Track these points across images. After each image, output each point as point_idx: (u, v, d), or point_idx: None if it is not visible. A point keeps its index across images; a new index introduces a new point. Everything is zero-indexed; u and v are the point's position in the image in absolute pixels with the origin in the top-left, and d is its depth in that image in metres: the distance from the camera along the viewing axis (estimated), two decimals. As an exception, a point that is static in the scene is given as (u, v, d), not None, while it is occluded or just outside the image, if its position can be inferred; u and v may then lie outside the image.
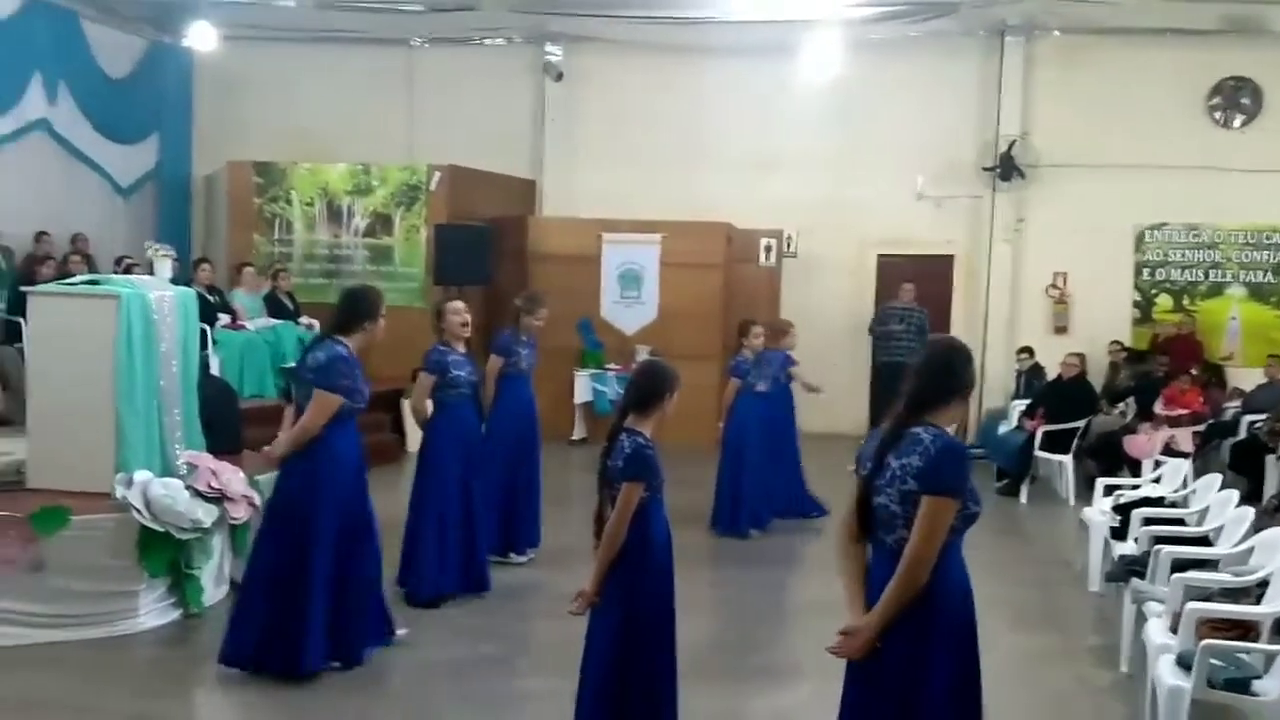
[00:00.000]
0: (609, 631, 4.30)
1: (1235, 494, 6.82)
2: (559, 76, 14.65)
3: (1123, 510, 7.28)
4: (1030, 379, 12.90)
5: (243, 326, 11.61)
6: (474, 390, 7.15)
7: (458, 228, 13.11)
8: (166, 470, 6.65)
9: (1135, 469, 10.50)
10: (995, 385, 13.64)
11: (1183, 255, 13.95)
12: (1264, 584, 5.25)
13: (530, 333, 7.98)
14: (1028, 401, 11.84)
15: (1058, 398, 11.30)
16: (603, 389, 13.11)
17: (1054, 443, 11.00)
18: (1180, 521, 6.97)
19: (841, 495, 3.71)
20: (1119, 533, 7.14)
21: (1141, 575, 6.05)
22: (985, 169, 14.00)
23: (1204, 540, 6.47)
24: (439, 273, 12.89)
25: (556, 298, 9.27)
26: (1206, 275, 13.92)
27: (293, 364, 8.84)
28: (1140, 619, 5.71)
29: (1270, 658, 4.68)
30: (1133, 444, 10.93)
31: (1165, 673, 4.76)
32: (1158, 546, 6.10)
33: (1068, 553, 8.70)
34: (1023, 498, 10.94)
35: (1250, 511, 6.37)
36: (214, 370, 9.99)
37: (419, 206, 13.73)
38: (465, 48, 14.95)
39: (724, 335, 12.29)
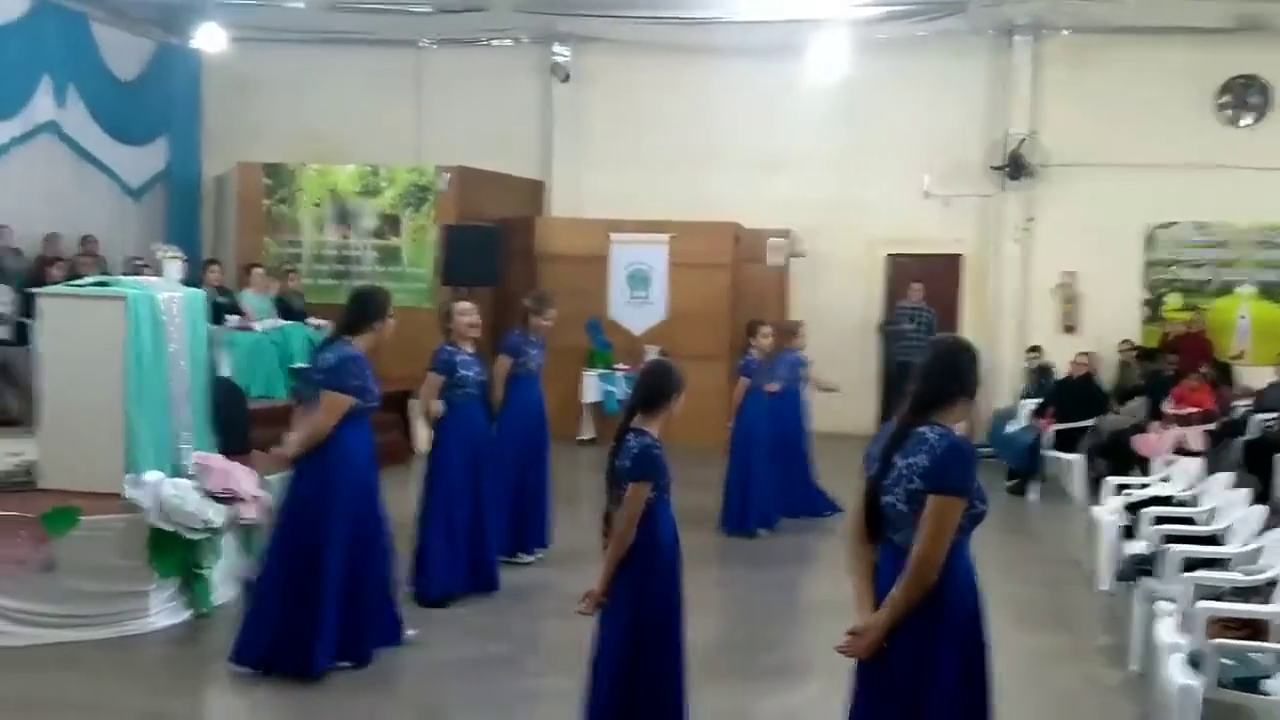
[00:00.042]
0: (617, 631, 4.31)
1: (1245, 492, 6.81)
2: (566, 77, 14.67)
3: (1133, 509, 7.26)
4: (1040, 378, 12.88)
5: (251, 327, 11.64)
6: (482, 390, 7.15)
7: (466, 228, 13.12)
8: (176, 470, 6.66)
9: (1145, 468, 10.48)
10: (1004, 384, 13.61)
11: (1192, 254, 13.92)
12: (1274, 583, 5.24)
13: (539, 333, 7.97)
14: (1037, 401, 11.83)
15: (1067, 397, 11.29)
16: (611, 389, 13.13)
17: (1064, 442, 10.98)
18: (1190, 520, 6.96)
19: (852, 494, 3.71)
20: (1129, 532, 7.12)
21: (1151, 574, 6.04)
22: (994, 168, 13.97)
23: (1214, 539, 6.46)
24: (447, 273, 12.88)
25: (565, 298, 9.26)
26: (1216, 274, 13.89)
27: (302, 365, 8.84)
28: (1150, 618, 5.70)
29: (1281, 657, 4.68)
30: (1143, 443, 10.90)
31: (1175, 672, 4.74)
32: (1168, 545, 6.09)
33: (1077, 552, 8.68)
34: (1032, 497, 10.93)
35: (1261, 510, 6.36)
36: (223, 371, 10.00)
37: (427, 207, 13.75)
38: (473, 49, 14.98)
39: (732, 335, 12.28)
